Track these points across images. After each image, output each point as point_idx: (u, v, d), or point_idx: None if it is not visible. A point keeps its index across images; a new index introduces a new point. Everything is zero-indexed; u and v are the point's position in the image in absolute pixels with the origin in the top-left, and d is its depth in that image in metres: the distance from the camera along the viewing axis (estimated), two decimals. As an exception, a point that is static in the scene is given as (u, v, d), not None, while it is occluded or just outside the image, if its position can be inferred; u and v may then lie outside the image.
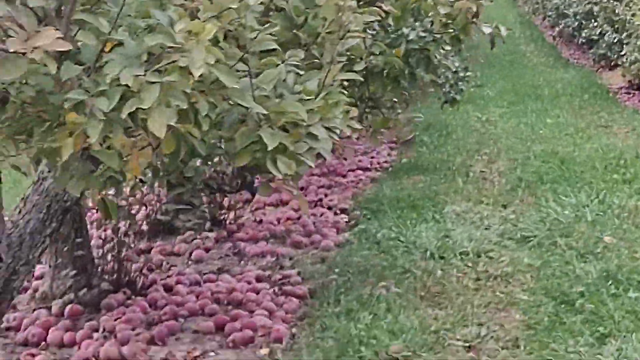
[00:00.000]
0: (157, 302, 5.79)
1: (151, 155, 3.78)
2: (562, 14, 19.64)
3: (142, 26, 3.30)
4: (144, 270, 6.23)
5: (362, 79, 4.20)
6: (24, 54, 2.95)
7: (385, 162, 10.07)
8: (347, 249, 6.68)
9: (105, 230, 6.15)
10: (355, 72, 4.16)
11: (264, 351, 5.09)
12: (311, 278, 6.15)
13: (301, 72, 3.84)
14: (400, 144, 5.64)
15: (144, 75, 3.09)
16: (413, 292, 5.65)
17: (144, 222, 7.23)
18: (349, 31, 3.80)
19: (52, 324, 5.48)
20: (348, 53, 4.36)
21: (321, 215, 7.87)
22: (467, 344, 4.95)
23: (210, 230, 7.07)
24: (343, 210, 8.00)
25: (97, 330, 5.42)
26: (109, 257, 6.00)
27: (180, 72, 3.14)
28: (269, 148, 3.62)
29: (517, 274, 6.02)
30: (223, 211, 7.36)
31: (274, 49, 3.77)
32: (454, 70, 8.50)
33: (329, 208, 8.13)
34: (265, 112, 3.57)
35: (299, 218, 7.80)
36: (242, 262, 6.72)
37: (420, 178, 8.83)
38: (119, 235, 6.12)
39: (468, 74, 8.54)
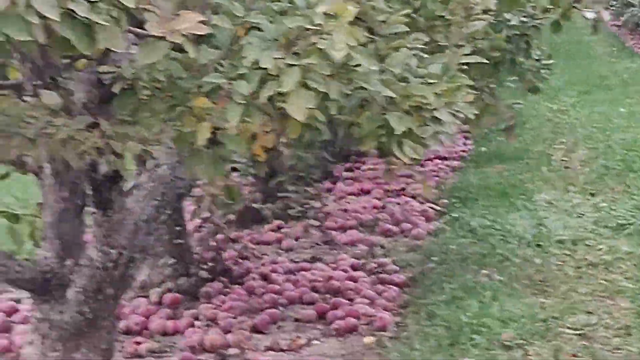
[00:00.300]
0: (254, 291, 5.77)
1: (274, 140, 3.76)
2: (627, 3, 19.42)
3: (274, 9, 3.26)
4: (238, 259, 6.22)
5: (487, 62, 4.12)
6: (162, 37, 2.92)
7: (463, 151, 10.01)
8: (441, 237, 6.63)
9: (201, 219, 6.13)
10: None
11: (369, 339, 5.05)
12: (407, 266, 6.12)
13: (425, 56, 3.80)
14: (503, 130, 5.58)
15: (283, 58, 3.06)
16: (516, 280, 5.60)
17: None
18: (474, 14, 3.75)
19: (153, 312, 5.48)
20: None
21: (406, 203, 7.83)
22: (578, 332, 4.88)
23: (314, 219, 7.03)
24: (428, 199, 7.94)
25: (197, 319, 5.41)
26: (206, 245, 5.99)
27: (320, 54, 3.10)
28: (397, 132, 3.57)
29: (618, 262, 5.94)
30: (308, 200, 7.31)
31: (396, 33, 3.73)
32: (536, 57, 8.36)
33: (413, 197, 8.07)
34: (394, 95, 3.53)
35: (383, 207, 7.76)
36: (334, 250, 6.69)
37: (504, 167, 8.77)
38: (215, 223, 6.11)
39: (551, 61, 8.40)
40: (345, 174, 9.02)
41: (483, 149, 9.73)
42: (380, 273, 6.05)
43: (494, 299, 5.24)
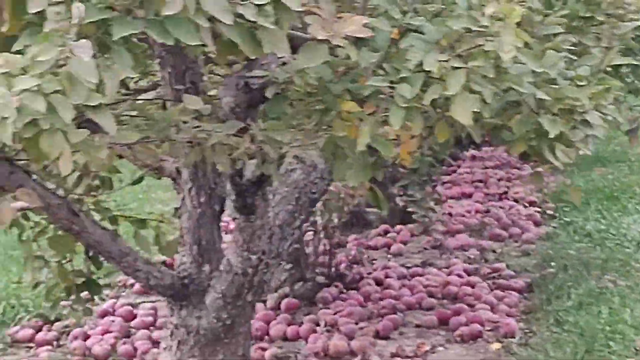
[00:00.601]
0: (370, 296, 5.71)
1: (418, 144, 3.70)
2: None
3: (430, 11, 3.21)
4: (350, 264, 6.17)
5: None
6: (325, 40, 2.88)
7: (557, 154, 9.86)
8: (555, 241, 6.52)
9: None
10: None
11: (495, 346, 4.96)
12: (523, 271, 6.02)
13: (573, 57, 3.72)
14: (625, 133, 5.48)
15: (447, 60, 3.00)
16: (642, 285, 5.49)
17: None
18: (627, 14, 3.66)
19: (272, 317, 5.44)
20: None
21: (509, 208, 7.73)
22: None
23: (426, 223, 6.94)
24: (531, 203, 7.83)
25: (317, 324, 5.36)
26: (320, 250, 5.95)
27: (485, 56, 3.04)
28: (550, 135, 3.50)
29: None
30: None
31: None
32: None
33: (516, 200, 7.98)
34: (548, 98, 3.45)
35: (487, 211, 7.67)
36: (444, 255, 6.61)
37: (607, 170, 8.63)
38: (326, 228, 6.05)
39: (649, 63, 8.24)
40: (442, 177, 8.93)
41: (581, 151, 9.58)
42: (497, 278, 5.97)
43: (623, 305, 5.13)
